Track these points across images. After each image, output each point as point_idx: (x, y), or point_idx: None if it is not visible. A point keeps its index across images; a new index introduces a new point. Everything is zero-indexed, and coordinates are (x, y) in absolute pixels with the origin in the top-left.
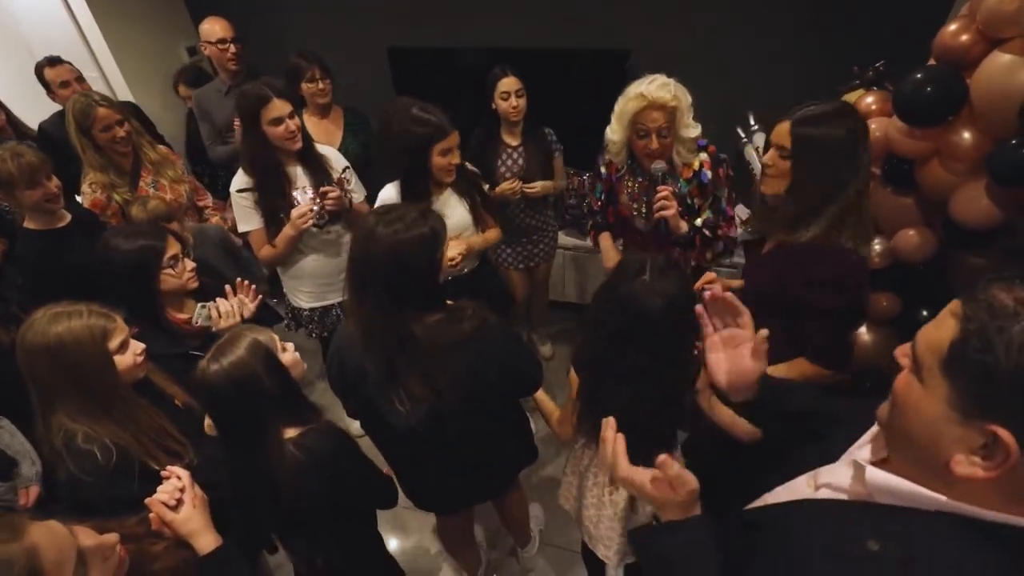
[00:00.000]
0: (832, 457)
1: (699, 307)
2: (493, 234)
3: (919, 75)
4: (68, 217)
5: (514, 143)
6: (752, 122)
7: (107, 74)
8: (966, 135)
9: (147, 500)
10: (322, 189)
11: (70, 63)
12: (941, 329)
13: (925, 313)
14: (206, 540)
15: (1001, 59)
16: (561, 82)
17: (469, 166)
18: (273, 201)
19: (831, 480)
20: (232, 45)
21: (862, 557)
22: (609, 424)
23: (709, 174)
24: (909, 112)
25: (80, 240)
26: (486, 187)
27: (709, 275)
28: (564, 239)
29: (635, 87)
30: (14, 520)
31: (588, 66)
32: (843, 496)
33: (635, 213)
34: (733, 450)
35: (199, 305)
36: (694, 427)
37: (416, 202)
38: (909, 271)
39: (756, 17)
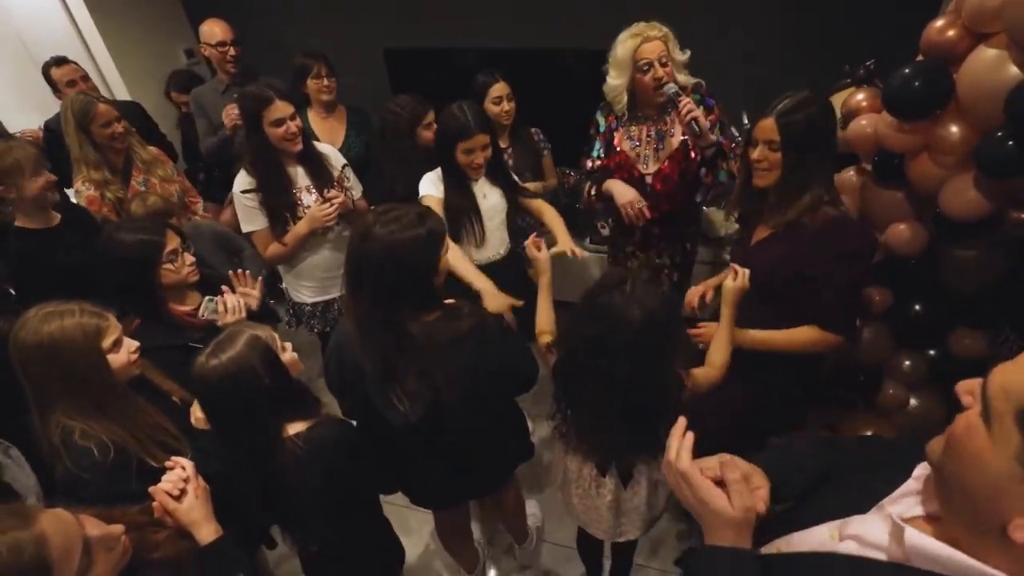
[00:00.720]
0: (854, 503)
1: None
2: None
3: (907, 70)
4: (58, 217)
5: (503, 145)
6: (746, 121)
7: (105, 76)
8: (954, 129)
9: (151, 489)
10: (328, 194)
11: (76, 63)
12: (1022, 372)
13: (917, 307)
14: (207, 530)
15: (986, 54)
16: (555, 83)
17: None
18: (277, 200)
19: (861, 533)
20: (232, 48)
21: None
22: (680, 423)
23: (712, 101)
24: (898, 106)
25: (71, 239)
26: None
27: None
28: None
29: (623, 35)
30: (24, 508)
31: (582, 67)
32: (875, 554)
33: (640, 157)
34: None
35: (206, 299)
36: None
37: (456, 188)
38: (900, 265)
39: (748, 18)
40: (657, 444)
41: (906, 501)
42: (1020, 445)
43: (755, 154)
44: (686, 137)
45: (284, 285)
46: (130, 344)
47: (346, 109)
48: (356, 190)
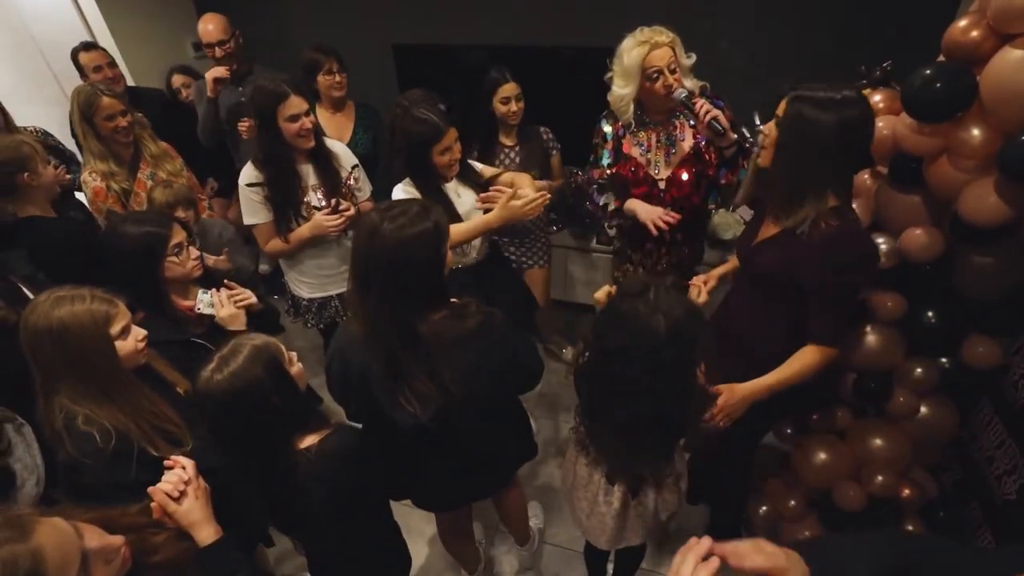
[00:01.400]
0: None
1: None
2: (526, 179)
3: (928, 71)
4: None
5: (510, 143)
6: (758, 122)
7: None
8: (976, 132)
9: (150, 490)
10: (341, 206)
11: (104, 49)
12: None
13: (930, 314)
14: (207, 532)
15: (1012, 55)
16: (563, 80)
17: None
18: (284, 197)
19: None
20: (231, 42)
21: None
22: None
23: (721, 102)
24: (919, 108)
25: (80, 220)
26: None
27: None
28: (567, 239)
29: (628, 42)
30: (22, 518)
31: (590, 64)
32: None
33: (650, 163)
34: None
35: (200, 291)
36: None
37: (432, 195)
38: (915, 271)
39: (759, 16)
40: (670, 457)
41: None
42: None
43: (766, 127)
44: (698, 140)
45: (285, 279)
46: (138, 332)
47: (355, 105)
48: (365, 190)
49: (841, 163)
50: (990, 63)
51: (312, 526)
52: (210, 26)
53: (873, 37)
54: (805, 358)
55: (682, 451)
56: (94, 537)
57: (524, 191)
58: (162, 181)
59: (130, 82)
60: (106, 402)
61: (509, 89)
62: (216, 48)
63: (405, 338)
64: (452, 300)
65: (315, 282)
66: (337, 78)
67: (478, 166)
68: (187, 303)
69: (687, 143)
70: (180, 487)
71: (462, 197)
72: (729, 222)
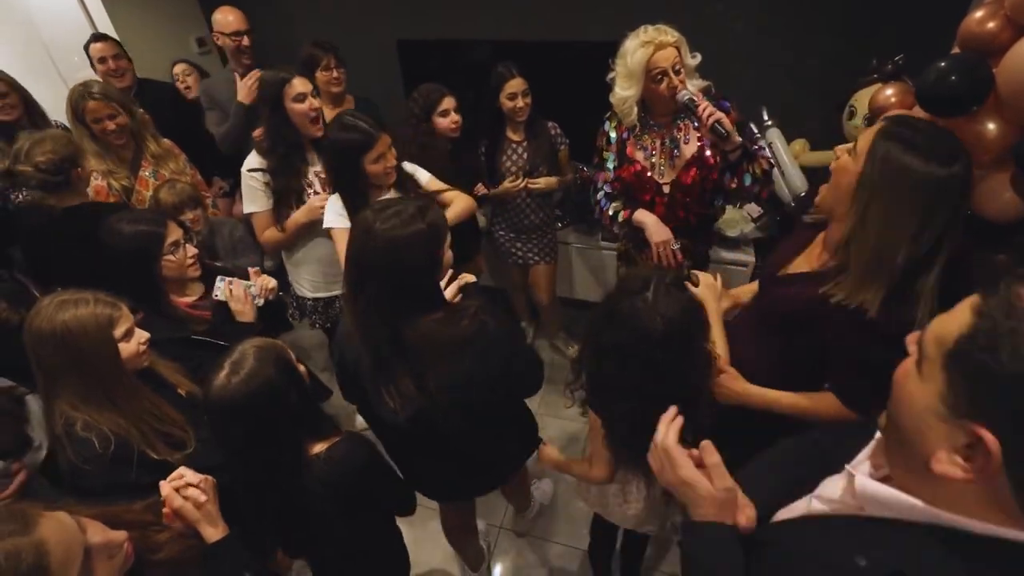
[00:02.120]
0: (832, 471)
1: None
2: (463, 203)
3: (943, 64)
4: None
5: (517, 139)
6: (766, 117)
7: None
8: (991, 125)
9: (161, 483)
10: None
11: (113, 40)
12: (953, 320)
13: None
14: (213, 529)
15: None
16: (569, 75)
17: (406, 165)
18: (287, 183)
19: (823, 492)
20: (247, 37)
21: (851, 573)
22: (671, 409)
23: (727, 103)
24: (933, 102)
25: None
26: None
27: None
28: (573, 235)
29: (632, 43)
30: (26, 511)
31: (596, 59)
32: (838, 510)
33: (654, 167)
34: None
35: (218, 278)
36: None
37: (358, 210)
38: None
39: (768, 9)
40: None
41: (868, 463)
42: (944, 385)
43: (837, 150)
44: (702, 143)
45: (289, 279)
46: (141, 335)
47: (354, 99)
48: None
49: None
50: (1007, 55)
51: (315, 529)
52: (230, 17)
53: (882, 32)
54: (823, 403)
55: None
56: (97, 532)
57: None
58: (167, 181)
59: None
60: (107, 406)
61: (515, 85)
62: (232, 39)
63: (393, 340)
64: (452, 302)
65: (316, 280)
66: (335, 74)
67: (423, 177)
68: (185, 300)
69: (691, 146)
70: (189, 492)
71: None
72: (736, 219)
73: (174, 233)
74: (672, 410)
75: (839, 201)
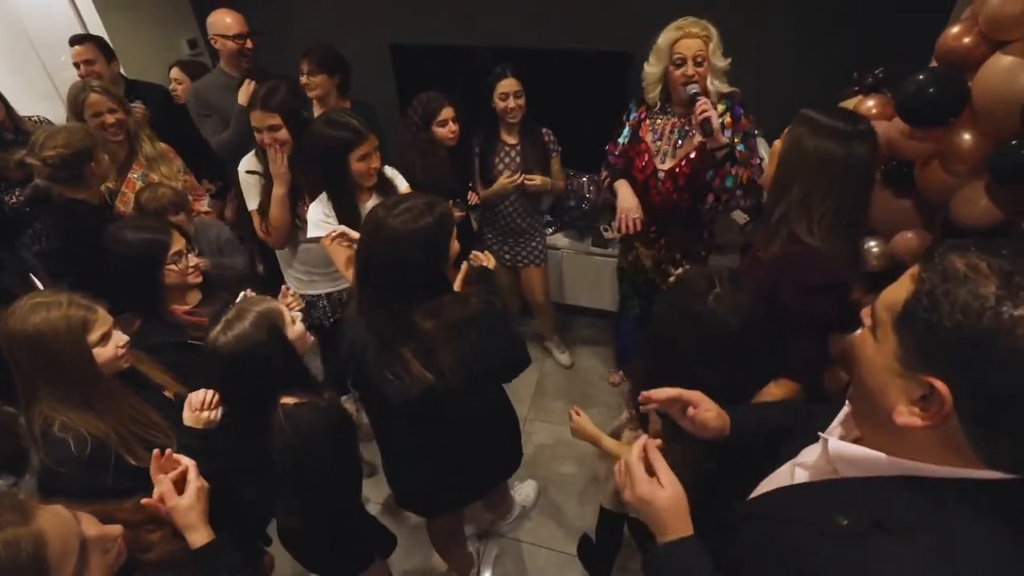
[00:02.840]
0: (811, 441)
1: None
2: None
3: (921, 76)
4: None
5: (512, 141)
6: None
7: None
8: (967, 136)
9: (156, 477)
10: None
11: (91, 42)
12: (899, 289)
13: None
14: (200, 535)
15: (1003, 61)
16: (563, 83)
17: (387, 170)
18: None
19: (803, 460)
20: (250, 40)
21: (835, 535)
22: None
23: (741, 110)
24: (912, 113)
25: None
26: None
27: None
28: (562, 240)
29: (670, 26)
30: (24, 503)
31: (590, 68)
32: (816, 475)
33: (657, 151)
34: (728, 458)
35: (242, 294)
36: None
37: (345, 212)
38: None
39: (757, 22)
40: None
41: (840, 429)
42: (896, 345)
43: (775, 144)
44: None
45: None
46: (119, 338)
47: (350, 104)
48: None
49: (838, 199)
50: (981, 69)
51: (279, 490)
52: (228, 19)
53: (866, 43)
54: (769, 394)
55: None
56: (91, 526)
57: None
58: (148, 185)
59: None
60: (85, 409)
61: (508, 85)
62: (235, 41)
63: (401, 329)
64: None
65: (302, 278)
66: (304, 79)
67: (402, 185)
68: (182, 308)
69: (696, 140)
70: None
71: None
72: (726, 224)
73: (178, 243)
74: (644, 437)
75: (768, 176)
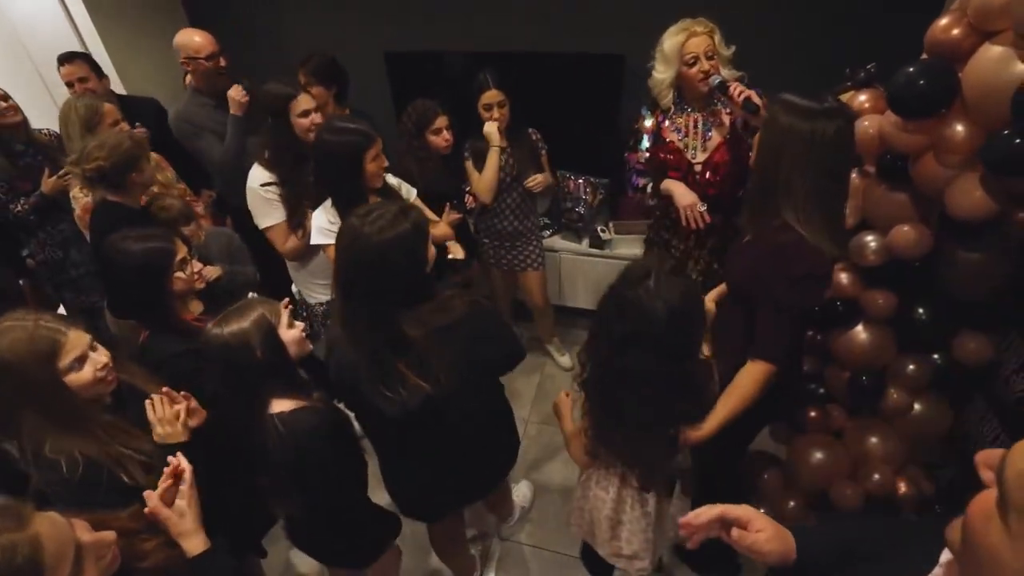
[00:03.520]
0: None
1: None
2: (439, 231)
3: (912, 69)
4: None
5: (501, 146)
6: None
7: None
8: (959, 127)
9: (145, 494)
10: None
11: (82, 61)
12: None
13: (921, 311)
14: (195, 542)
15: (992, 51)
16: (557, 86)
17: (390, 178)
18: (299, 191)
19: None
20: (222, 58)
21: None
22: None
23: (759, 90)
24: (903, 105)
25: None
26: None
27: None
28: (560, 243)
29: (671, 31)
30: (19, 508)
31: (583, 71)
32: None
33: (687, 147)
34: None
35: (250, 294)
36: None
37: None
38: (904, 267)
39: (749, 23)
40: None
41: (942, 571)
42: None
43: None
44: (734, 122)
45: (296, 289)
46: (96, 360)
47: (350, 112)
48: None
49: (809, 178)
50: (971, 60)
51: (278, 490)
52: (197, 38)
53: (859, 38)
54: (743, 379)
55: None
56: (85, 532)
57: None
58: (155, 196)
59: (123, 92)
60: (69, 433)
61: (490, 96)
62: (210, 62)
63: (391, 338)
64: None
65: (328, 282)
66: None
67: (410, 192)
68: (190, 315)
69: (723, 129)
70: (174, 491)
71: None
72: None
73: (181, 250)
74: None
75: (752, 161)
